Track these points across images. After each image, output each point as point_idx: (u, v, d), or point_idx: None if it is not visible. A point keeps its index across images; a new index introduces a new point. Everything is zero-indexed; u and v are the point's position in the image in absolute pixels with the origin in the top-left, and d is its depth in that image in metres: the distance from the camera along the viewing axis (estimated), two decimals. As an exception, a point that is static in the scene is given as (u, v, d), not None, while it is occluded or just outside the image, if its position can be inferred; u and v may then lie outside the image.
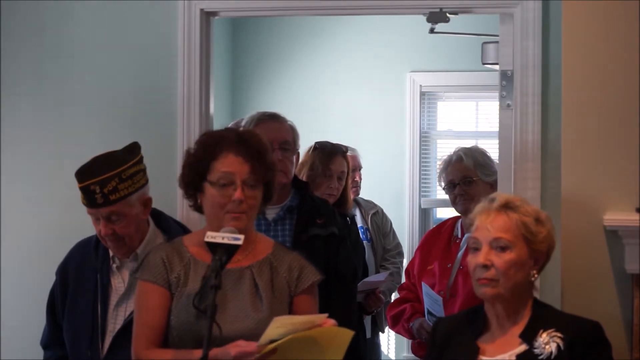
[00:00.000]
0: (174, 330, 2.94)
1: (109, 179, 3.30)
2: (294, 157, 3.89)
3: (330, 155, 4.76)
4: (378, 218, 5.48)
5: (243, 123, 3.96)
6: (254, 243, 3.06)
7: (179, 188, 3.10)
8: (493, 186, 4.11)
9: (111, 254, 3.44)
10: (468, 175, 4.21)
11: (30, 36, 4.04)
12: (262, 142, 3.05)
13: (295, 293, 3.04)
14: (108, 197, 3.29)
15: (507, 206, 2.85)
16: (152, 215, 3.50)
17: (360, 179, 5.58)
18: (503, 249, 2.81)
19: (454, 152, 4.29)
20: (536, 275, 2.85)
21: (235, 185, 2.95)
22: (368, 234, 5.40)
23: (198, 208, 3.08)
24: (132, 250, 3.38)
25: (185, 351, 2.89)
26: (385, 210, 5.59)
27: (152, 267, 2.99)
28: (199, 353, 2.73)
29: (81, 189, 3.33)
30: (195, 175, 3.01)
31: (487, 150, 4.41)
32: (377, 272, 5.34)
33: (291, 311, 3.03)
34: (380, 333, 5.42)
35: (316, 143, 4.80)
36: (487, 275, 2.81)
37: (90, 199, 3.31)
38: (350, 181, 5.33)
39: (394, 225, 5.59)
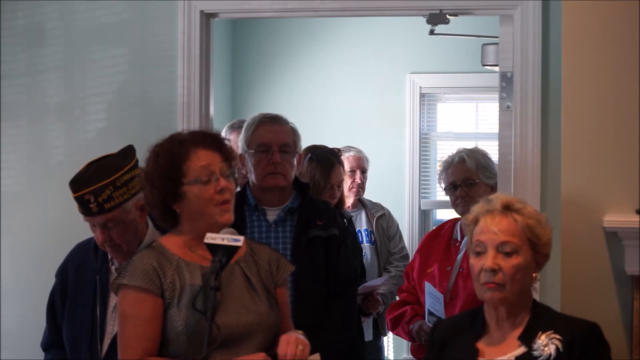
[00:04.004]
0: (182, 335, 2.89)
1: (103, 187, 3.27)
2: (295, 160, 3.89)
3: (329, 168, 4.80)
4: (384, 221, 5.49)
5: (244, 125, 3.96)
6: None
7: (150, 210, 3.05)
8: (494, 189, 4.10)
9: (110, 255, 3.44)
10: (470, 177, 4.19)
11: (30, 36, 4.04)
12: (215, 132, 3.12)
13: (277, 285, 3.07)
14: (103, 205, 3.27)
15: (509, 208, 2.84)
16: (151, 216, 3.49)
17: (364, 180, 5.58)
18: (510, 253, 2.80)
19: (456, 153, 4.27)
20: (538, 278, 2.85)
21: (215, 175, 2.95)
22: (372, 236, 5.40)
23: (174, 220, 3.01)
24: (130, 254, 3.36)
25: None
26: (390, 212, 5.59)
27: (143, 274, 2.92)
28: None
29: (75, 198, 3.30)
30: (169, 185, 2.96)
31: (488, 152, 4.39)
32: (381, 275, 5.33)
33: None
34: (382, 336, 5.43)
35: (311, 153, 4.79)
36: (495, 280, 2.80)
37: (85, 208, 3.30)
38: (349, 182, 5.35)
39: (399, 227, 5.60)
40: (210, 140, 3.01)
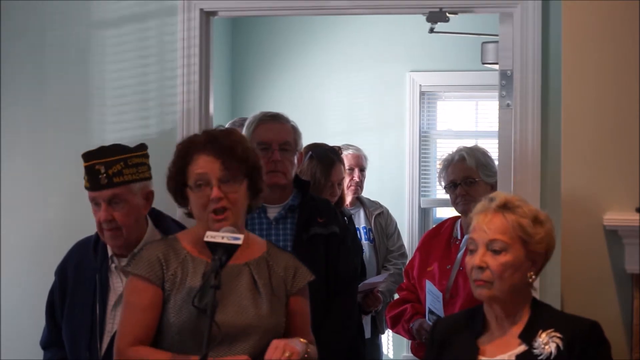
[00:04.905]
0: (174, 327, 2.95)
1: (115, 161, 3.33)
2: (296, 158, 3.90)
3: (329, 166, 4.81)
4: (382, 219, 5.49)
5: (246, 123, 3.97)
6: (248, 242, 3.07)
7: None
8: (494, 187, 4.09)
9: (110, 253, 3.44)
10: (470, 176, 4.18)
11: (30, 36, 4.04)
12: (232, 138, 3.06)
13: (291, 293, 3.06)
14: (112, 179, 3.31)
15: (505, 206, 2.84)
16: (151, 215, 3.50)
17: (362, 178, 5.59)
18: (498, 251, 2.81)
19: (456, 152, 4.27)
20: (534, 277, 2.85)
21: (211, 184, 2.98)
22: (371, 234, 5.41)
23: (191, 214, 3.11)
24: (127, 243, 3.38)
25: (182, 356, 2.90)
26: (388, 211, 5.59)
27: (146, 264, 2.99)
28: (196, 358, 2.77)
29: (86, 168, 3.35)
30: (178, 184, 3.05)
31: (488, 150, 4.38)
32: (379, 273, 5.34)
33: (286, 311, 3.05)
34: (380, 334, 5.43)
35: (312, 151, 4.80)
36: (482, 277, 2.82)
37: (94, 180, 3.33)
38: (347, 180, 5.35)
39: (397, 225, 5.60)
40: (217, 145, 3.00)
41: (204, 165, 2.99)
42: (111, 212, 3.32)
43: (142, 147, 3.46)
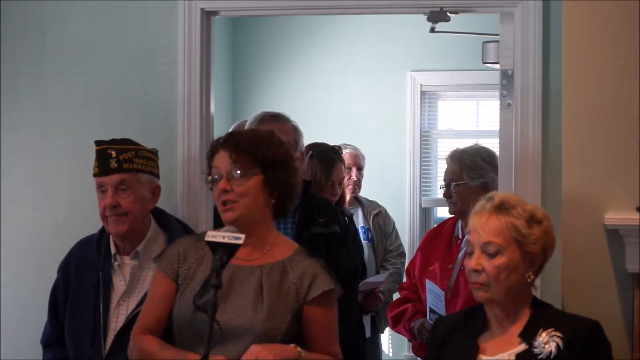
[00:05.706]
0: (174, 321, 3.02)
1: (127, 149, 3.40)
2: (297, 157, 3.89)
3: (330, 165, 4.83)
4: (381, 218, 5.50)
5: (247, 123, 3.97)
6: (273, 245, 3.09)
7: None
8: (486, 188, 4.07)
9: (113, 251, 3.45)
10: (452, 179, 4.20)
11: (30, 36, 4.04)
12: (245, 133, 3.14)
13: (305, 301, 3.02)
14: (122, 164, 3.37)
15: (500, 207, 2.83)
16: (154, 214, 3.50)
17: (360, 177, 5.60)
18: (493, 254, 2.81)
19: (449, 154, 4.31)
20: (532, 277, 2.84)
21: (222, 177, 3.04)
22: (369, 234, 5.41)
23: None
24: (131, 233, 3.39)
25: (182, 353, 2.93)
26: (386, 210, 5.59)
27: (166, 257, 3.10)
28: (194, 356, 2.85)
29: (98, 152, 3.40)
30: (208, 179, 3.12)
31: (490, 149, 4.36)
32: (378, 272, 5.35)
33: (301, 320, 3.03)
34: (379, 333, 5.43)
35: (312, 150, 4.81)
36: (478, 280, 2.82)
37: (104, 164, 3.36)
38: (345, 179, 5.37)
39: (395, 225, 5.60)
40: (230, 140, 3.08)
41: (218, 159, 3.07)
42: (117, 198, 3.35)
43: (154, 149, 3.53)
